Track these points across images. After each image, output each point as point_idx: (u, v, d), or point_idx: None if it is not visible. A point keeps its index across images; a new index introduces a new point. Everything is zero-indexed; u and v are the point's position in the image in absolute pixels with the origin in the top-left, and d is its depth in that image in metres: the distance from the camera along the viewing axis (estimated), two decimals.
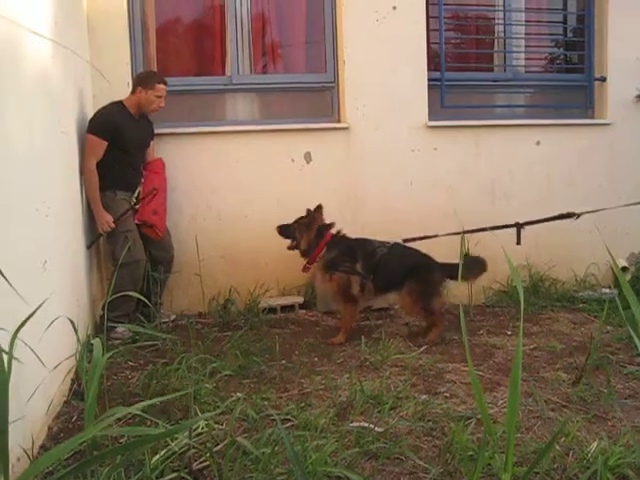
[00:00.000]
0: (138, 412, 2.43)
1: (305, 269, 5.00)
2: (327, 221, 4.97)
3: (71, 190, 4.34)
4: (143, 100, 4.98)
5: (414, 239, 4.91)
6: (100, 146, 4.74)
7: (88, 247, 4.71)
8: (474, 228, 4.84)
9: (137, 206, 5.01)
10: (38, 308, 2.05)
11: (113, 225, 4.76)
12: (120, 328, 4.56)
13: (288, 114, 5.96)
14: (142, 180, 5.13)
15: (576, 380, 3.71)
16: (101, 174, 4.73)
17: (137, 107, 5.02)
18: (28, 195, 3.11)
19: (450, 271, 4.65)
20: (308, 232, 4.91)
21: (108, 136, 4.76)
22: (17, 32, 3.09)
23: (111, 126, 4.78)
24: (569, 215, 4.58)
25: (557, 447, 2.78)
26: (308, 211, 4.95)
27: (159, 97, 5.00)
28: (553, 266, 5.84)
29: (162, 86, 5.00)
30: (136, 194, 5.06)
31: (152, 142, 5.27)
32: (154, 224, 5.02)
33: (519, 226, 4.70)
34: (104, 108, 4.88)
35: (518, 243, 4.65)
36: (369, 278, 4.77)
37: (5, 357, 1.87)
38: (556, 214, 4.62)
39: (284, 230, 5.04)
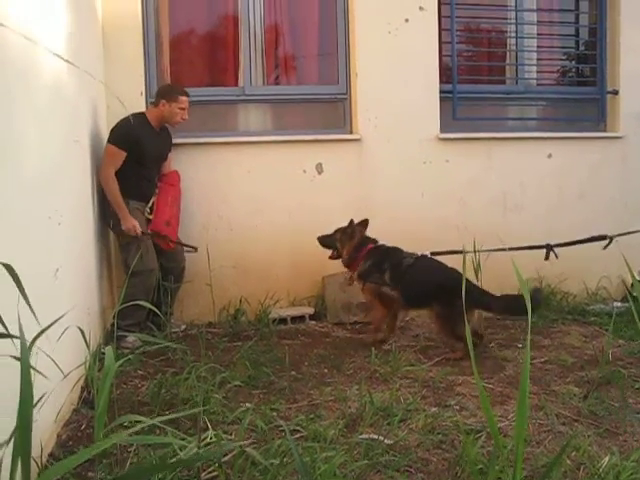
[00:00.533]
0: (146, 420, 2.43)
1: (351, 281, 5.07)
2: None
3: (83, 199, 4.36)
4: (166, 113, 5.01)
5: (440, 253, 4.87)
6: (119, 156, 4.78)
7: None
8: (499, 246, 4.79)
9: (150, 216, 5.05)
10: (54, 323, 2.06)
11: (140, 230, 4.81)
12: (130, 337, 4.57)
13: (300, 125, 5.98)
14: (156, 191, 5.16)
15: (587, 394, 3.68)
16: (119, 184, 4.77)
17: (159, 120, 5.06)
18: (41, 203, 3.13)
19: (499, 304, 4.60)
20: (349, 244, 4.96)
21: (127, 147, 4.79)
22: (33, 41, 3.11)
23: (131, 138, 4.81)
24: (602, 238, 4.52)
25: (568, 461, 2.76)
26: (351, 222, 4.98)
27: (182, 109, 5.03)
28: (564, 279, 5.80)
29: (185, 98, 5.03)
30: (150, 204, 5.08)
31: (169, 154, 5.30)
32: (166, 235, 5.04)
33: (549, 247, 4.67)
34: (126, 119, 4.85)
35: (546, 259, 4.67)
36: (396, 288, 4.77)
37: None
38: (588, 237, 4.57)
39: (325, 240, 5.08)
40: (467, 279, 4.67)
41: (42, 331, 1.90)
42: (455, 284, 4.63)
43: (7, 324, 1.63)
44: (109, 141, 4.81)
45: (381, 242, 5.01)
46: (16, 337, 1.34)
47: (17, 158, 2.78)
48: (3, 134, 2.60)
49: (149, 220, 5.03)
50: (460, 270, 4.70)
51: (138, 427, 3.05)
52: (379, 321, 4.94)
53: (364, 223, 5.03)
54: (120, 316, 4.18)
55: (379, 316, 4.93)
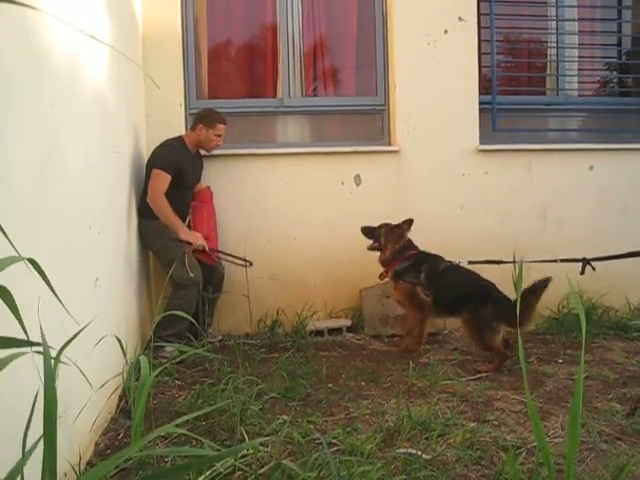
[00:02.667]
0: (184, 432, 2.44)
1: (382, 277, 5.09)
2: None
3: (122, 209, 4.40)
4: (203, 138, 5.09)
5: (477, 262, 4.88)
6: (166, 180, 4.85)
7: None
8: (539, 259, 4.73)
9: None
10: (84, 328, 2.07)
11: (203, 241, 4.92)
12: (169, 347, 4.60)
13: (338, 137, 5.98)
14: (190, 210, 5.25)
15: (631, 411, 3.59)
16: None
17: (196, 144, 5.14)
18: (81, 212, 3.17)
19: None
20: (393, 243, 5.02)
21: (173, 172, 4.87)
22: (76, 52, 3.16)
23: (177, 164, 4.91)
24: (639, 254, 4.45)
25: None
26: (401, 223, 5.05)
27: (218, 136, 5.10)
28: (606, 293, 5.69)
29: (223, 126, 5.11)
30: (186, 223, 5.13)
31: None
32: (205, 248, 5.08)
33: (586, 261, 4.60)
34: (168, 145, 4.99)
35: (582, 273, 4.54)
36: (429, 289, 4.83)
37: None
38: (627, 252, 4.45)
39: (368, 231, 5.12)
40: (500, 291, 4.71)
41: (69, 341, 1.91)
42: (486, 293, 4.65)
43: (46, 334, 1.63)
44: (156, 166, 4.87)
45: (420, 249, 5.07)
46: (37, 344, 1.34)
47: (60, 168, 2.82)
48: (46, 145, 2.64)
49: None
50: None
51: (174, 435, 3.08)
52: (412, 324, 4.96)
53: (409, 222, 5.05)
54: (162, 326, 4.20)
55: (412, 318, 4.95)
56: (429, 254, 5.02)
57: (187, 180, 5.07)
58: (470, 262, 4.92)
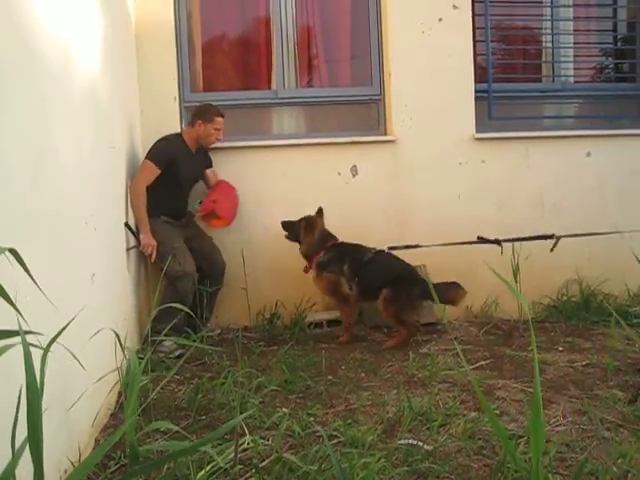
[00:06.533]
0: (181, 431, 2.43)
1: (306, 269, 5.20)
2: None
3: (119, 204, 4.39)
4: (202, 133, 5.07)
5: (398, 247, 5.09)
6: (153, 173, 4.82)
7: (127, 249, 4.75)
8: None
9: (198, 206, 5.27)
10: (72, 319, 2.05)
11: (154, 252, 4.78)
12: (168, 342, 4.58)
13: (334, 128, 5.95)
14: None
15: (632, 399, 3.57)
16: (149, 201, 4.78)
17: (195, 140, 5.12)
18: (77, 209, 3.15)
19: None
20: (312, 235, 5.15)
21: (163, 166, 4.84)
22: (68, 47, 3.14)
23: (169, 158, 4.88)
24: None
25: (614, 469, 2.68)
26: (317, 212, 5.21)
27: (217, 130, 5.08)
28: (605, 280, 5.68)
29: (221, 119, 5.09)
30: (198, 202, 5.23)
31: (211, 169, 5.40)
32: (214, 210, 5.14)
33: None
34: (165, 139, 4.97)
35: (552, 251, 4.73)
36: (354, 280, 4.99)
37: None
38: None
39: (288, 226, 5.25)
40: (417, 273, 4.99)
41: (59, 333, 1.89)
42: (409, 274, 4.96)
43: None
44: (147, 157, 4.86)
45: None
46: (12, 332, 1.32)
47: (54, 165, 2.80)
48: (40, 140, 2.61)
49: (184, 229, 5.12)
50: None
51: (174, 430, 3.07)
52: (349, 317, 5.14)
53: (320, 211, 5.21)
54: (158, 320, 4.19)
55: (344, 315, 5.15)
56: (351, 244, 5.15)
57: (182, 177, 5.03)
58: (390, 248, 5.12)
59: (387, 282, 4.93)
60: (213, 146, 5.33)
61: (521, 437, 3.07)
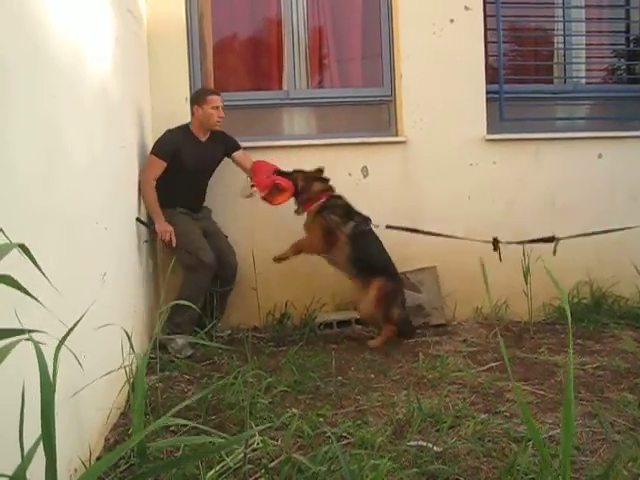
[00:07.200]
0: (188, 423, 2.42)
1: (297, 212, 5.23)
2: None
3: (130, 203, 4.40)
4: (202, 117, 5.03)
5: (396, 228, 5.05)
6: (159, 166, 4.83)
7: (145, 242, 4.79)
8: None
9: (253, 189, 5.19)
10: (81, 318, 2.05)
11: (173, 236, 4.79)
12: (180, 340, 4.59)
13: (345, 128, 5.95)
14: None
15: None
16: (162, 193, 4.81)
17: (201, 127, 5.08)
18: (88, 208, 3.16)
19: None
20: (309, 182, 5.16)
21: (167, 158, 4.85)
22: (79, 45, 3.15)
23: (171, 148, 4.88)
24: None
25: (624, 472, 2.66)
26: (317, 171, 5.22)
27: (215, 108, 5.03)
28: (616, 282, 5.65)
29: (214, 97, 5.04)
30: (250, 185, 5.20)
31: (241, 151, 5.32)
32: (276, 183, 5.11)
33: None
34: (170, 131, 4.98)
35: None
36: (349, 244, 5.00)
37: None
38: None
39: (284, 175, 5.17)
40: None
41: (69, 331, 1.90)
42: (393, 269, 5.09)
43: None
44: (151, 151, 4.90)
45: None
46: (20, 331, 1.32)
47: (66, 164, 2.81)
48: (51, 140, 2.63)
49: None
50: None
51: (183, 430, 3.08)
52: (302, 247, 5.16)
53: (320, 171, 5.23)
54: (175, 313, 4.22)
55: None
56: (356, 211, 5.14)
57: (189, 167, 4.97)
58: (388, 227, 5.05)
59: (379, 268, 4.97)
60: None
61: (530, 440, 3.06)
